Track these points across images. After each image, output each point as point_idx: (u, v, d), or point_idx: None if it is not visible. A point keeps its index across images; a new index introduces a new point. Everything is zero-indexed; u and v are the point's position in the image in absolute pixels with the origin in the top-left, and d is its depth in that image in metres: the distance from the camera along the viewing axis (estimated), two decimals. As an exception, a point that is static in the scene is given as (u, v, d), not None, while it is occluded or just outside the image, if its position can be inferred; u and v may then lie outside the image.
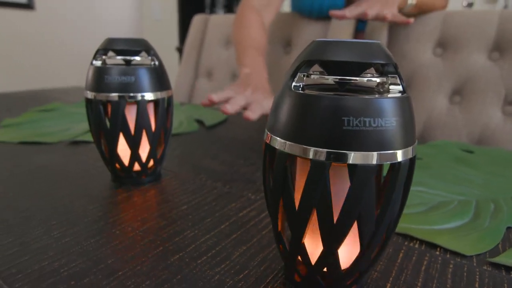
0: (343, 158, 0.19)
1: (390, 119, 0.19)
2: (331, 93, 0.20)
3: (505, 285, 0.26)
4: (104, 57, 0.39)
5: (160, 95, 0.39)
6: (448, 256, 0.29)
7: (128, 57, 0.38)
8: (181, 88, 1.16)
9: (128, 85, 0.37)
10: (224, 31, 1.13)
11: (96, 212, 0.35)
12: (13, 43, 2.46)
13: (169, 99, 0.42)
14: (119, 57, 0.38)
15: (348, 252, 0.22)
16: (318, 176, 0.19)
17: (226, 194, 0.40)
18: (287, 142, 0.20)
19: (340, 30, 0.91)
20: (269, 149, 0.22)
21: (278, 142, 0.21)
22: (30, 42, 2.55)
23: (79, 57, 2.65)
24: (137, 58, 0.39)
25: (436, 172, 0.48)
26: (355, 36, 0.93)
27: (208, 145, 0.59)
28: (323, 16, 0.94)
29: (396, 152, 0.19)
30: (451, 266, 0.28)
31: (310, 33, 0.96)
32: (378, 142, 0.19)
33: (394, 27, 0.86)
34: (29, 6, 2.56)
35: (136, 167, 0.42)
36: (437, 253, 0.30)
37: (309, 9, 0.93)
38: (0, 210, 0.34)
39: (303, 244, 0.22)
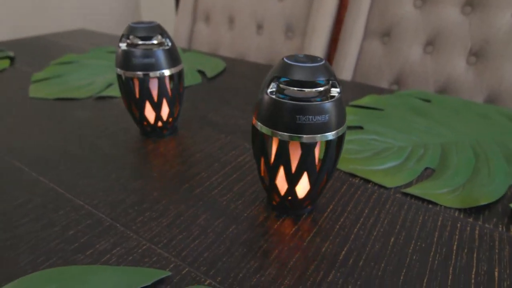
0: (297, 139, 0.32)
1: (324, 116, 0.32)
2: (292, 101, 0.32)
3: (405, 205, 0.41)
4: (128, 40, 0.49)
5: (174, 70, 0.51)
6: (375, 188, 0.44)
7: (147, 42, 0.49)
8: (180, 33, 1.23)
9: (150, 65, 0.48)
10: (219, -25, 1.16)
11: (136, 160, 0.49)
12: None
13: (180, 72, 0.53)
14: (140, 42, 0.49)
15: (303, 188, 0.37)
16: (283, 148, 0.33)
17: (228, 144, 0.54)
18: (266, 127, 0.33)
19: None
20: (255, 129, 0.35)
21: (260, 126, 0.34)
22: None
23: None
24: (154, 42, 0.49)
25: (391, 122, 0.62)
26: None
27: (211, 98, 0.71)
28: None
29: (328, 134, 0.33)
30: (375, 194, 0.43)
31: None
32: (317, 129, 0.32)
33: (380, -23, 0.92)
34: None
35: (159, 123, 0.55)
36: (369, 186, 0.45)
37: None
38: (69, 159, 0.49)
39: (276, 184, 0.37)
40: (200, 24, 1.23)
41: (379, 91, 0.77)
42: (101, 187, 0.43)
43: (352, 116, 0.64)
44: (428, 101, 0.72)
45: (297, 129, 0.32)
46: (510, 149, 0.54)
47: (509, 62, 0.81)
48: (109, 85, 0.76)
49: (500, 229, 0.38)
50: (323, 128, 0.32)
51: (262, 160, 0.36)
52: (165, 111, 0.53)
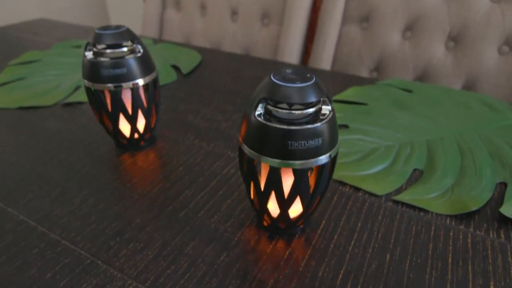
0: (288, 165, 0.30)
1: (317, 140, 0.30)
2: (283, 125, 0.30)
3: (398, 215, 0.41)
4: (94, 49, 0.45)
5: (148, 79, 0.47)
6: (366, 196, 0.43)
7: (116, 50, 0.45)
8: (149, 21, 1.16)
9: (122, 76, 0.44)
10: (188, -43, 1.09)
11: (114, 180, 0.46)
12: None
13: (155, 79, 0.49)
14: (108, 50, 0.44)
15: (295, 210, 0.35)
16: (274, 175, 0.31)
17: (211, 153, 0.51)
18: (254, 152, 0.31)
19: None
20: (241, 151, 0.33)
21: (247, 150, 0.32)
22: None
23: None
24: (124, 49, 0.45)
25: (376, 118, 0.61)
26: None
27: (188, 97, 0.68)
28: None
29: (322, 157, 0.31)
30: (367, 204, 0.42)
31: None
32: (309, 154, 0.30)
33: (357, -41, 0.88)
34: None
35: (136, 135, 0.51)
36: (360, 194, 0.44)
37: None
38: (41, 183, 0.45)
39: (267, 207, 0.35)
40: (171, 11, 1.16)
41: (361, 81, 0.76)
42: (78, 216, 0.40)
43: (336, 114, 0.62)
44: (409, 91, 0.71)
45: (289, 155, 0.30)
46: (492, 142, 0.54)
47: (487, 46, 0.81)
48: (77, 88, 0.70)
49: (491, 235, 0.38)
50: (317, 152, 0.30)
51: (252, 184, 0.34)
52: (141, 122, 0.50)
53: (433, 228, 0.39)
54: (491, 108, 0.64)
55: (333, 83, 0.74)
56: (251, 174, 0.33)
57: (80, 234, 0.38)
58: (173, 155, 0.51)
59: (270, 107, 0.31)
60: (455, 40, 0.83)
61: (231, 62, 0.85)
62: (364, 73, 0.94)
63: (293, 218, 0.36)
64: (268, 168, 0.31)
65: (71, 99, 0.66)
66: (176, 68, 0.82)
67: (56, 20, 1.21)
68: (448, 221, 0.40)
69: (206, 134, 0.56)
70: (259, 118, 0.30)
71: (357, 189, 0.45)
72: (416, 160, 0.50)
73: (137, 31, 1.28)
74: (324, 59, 0.95)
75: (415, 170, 0.49)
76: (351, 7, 0.91)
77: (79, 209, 0.41)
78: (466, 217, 0.40)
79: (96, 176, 0.46)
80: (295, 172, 0.31)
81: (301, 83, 0.29)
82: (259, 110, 0.31)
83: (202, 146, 0.53)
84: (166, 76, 0.77)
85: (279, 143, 0.30)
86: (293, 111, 0.30)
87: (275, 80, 0.30)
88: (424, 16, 0.84)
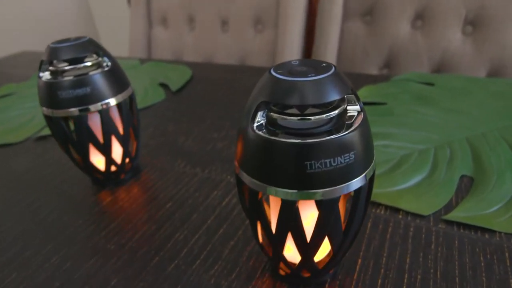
0: (309, 196, 0.21)
1: (347, 155, 0.20)
2: (295, 139, 0.20)
3: (456, 241, 0.31)
4: (51, 68, 0.36)
5: (122, 97, 0.38)
6: (409, 218, 0.34)
7: (77, 65, 0.36)
8: (137, 40, 1.09)
9: (86, 97, 0.36)
10: (170, -31, 1.02)
11: (87, 226, 0.36)
12: None
13: (131, 97, 0.40)
14: (68, 67, 0.36)
15: (323, 253, 0.26)
16: (289, 211, 0.21)
17: (207, 181, 0.42)
18: (256, 181, 0.22)
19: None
20: (240, 181, 0.23)
21: (248, 179, 0.22)
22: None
23: (24, 15, 2.34)
24: (88, 63, 0.36)
25: (399, 118, 0.51)
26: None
27: (179, 116, 0.59)
28: None
29: (354, 181, 0.21)
30: (411, 229, 0.32)
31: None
32: (338, 177, 0.20)
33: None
34: None
35: (113, 168, 0.42)
36: (400, 216, 0.34)
37: None
38: (-8, 241, 0.36)
39: (283, 254, 0.25)
40: (158, 28, 1.09)
41: (373, 79, 0.66)
42: (36, 283, 0.30)
43: (352, 118, 0.53)
44: (431, 84, 0.62)
45: (308, 182, 0.20)
46: (547, 132, 0.44)
47: (510, 27, 0.71)
48: (53, 118, 0.62)
49: None
50: (348, 173, 0.21)
51: (259, 225, 0.24)
52: (117, 152, 0.41)
53: (507, 255, 0.29)
54: (530, 94, 0.55)
55: (342, 84, 0.65)
56: (257, 212, 0.23)
57: (36, 310, 0.28)
58: (161, 188, 0.41)
59: (274, 115, 0.21)
60: (473, 24, 0.74)
61: (225, 74, 0.77)
62: (373, 71, 0.85)
63: (320, 264, 0.26)
64: (279, 202, 0.22)
65: (44, 132, 0.57)
66: (164, 86, 0.74)
67: (39, 51, 1.15)
68: (525, 244, 0.30)
69: (200, 158, 0.47)
70: (260, 132, 0.21)
71: (395, 209, 0.35)
72: (461, 164, 0.40)
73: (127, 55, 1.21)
74: (327, 60, 0.86)
75: (462, 177, 0.39)
76: (352, 0, 0.83)
77: (39, 272, 0.31)
78: (548, 236, 0.30)
79: (66, 224, 0.37)
80: (320, 204, 0.21)
81: (316, 75, 0.20)
82: (259, 120, 0.22)
83: (196, 173, 0.44)
84: (153, 96, 0.68)
85: (292, 165, 0.20)
86: (308, 117, 0.21)
87: (277, 75, 0.21)
88: (434, 1, 0.75)
